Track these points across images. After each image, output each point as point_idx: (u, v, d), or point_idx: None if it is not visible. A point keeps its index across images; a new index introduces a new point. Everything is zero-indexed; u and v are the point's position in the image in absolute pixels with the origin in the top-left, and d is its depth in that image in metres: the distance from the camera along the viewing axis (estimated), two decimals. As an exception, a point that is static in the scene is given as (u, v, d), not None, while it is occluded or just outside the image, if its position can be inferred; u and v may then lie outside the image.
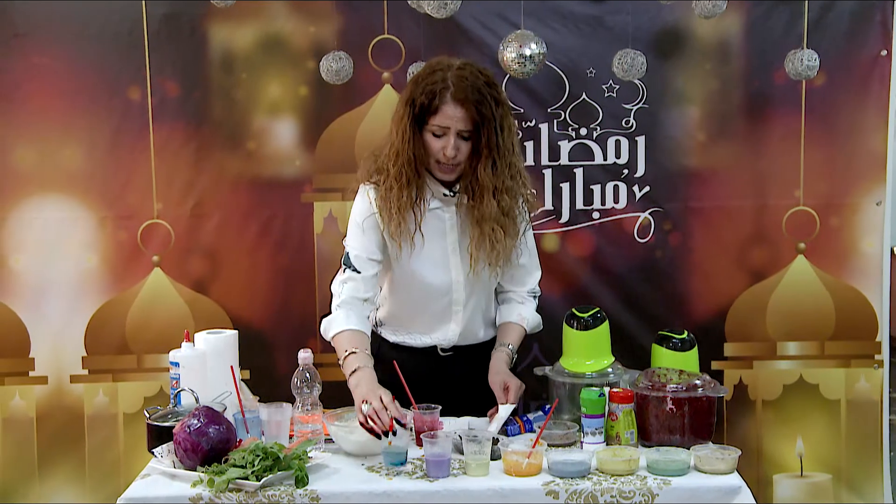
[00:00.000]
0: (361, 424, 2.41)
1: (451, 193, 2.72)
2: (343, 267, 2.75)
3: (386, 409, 2.40)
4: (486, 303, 2.86)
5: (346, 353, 2.60)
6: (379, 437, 2.39)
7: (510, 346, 2.80)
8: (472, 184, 2.67)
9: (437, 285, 2.76)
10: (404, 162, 2.63)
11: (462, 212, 2.73)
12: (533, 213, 2.90)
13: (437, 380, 2.73)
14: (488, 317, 2.88)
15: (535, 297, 2.91)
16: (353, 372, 2.56)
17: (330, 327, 2.70)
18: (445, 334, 2.81)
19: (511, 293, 2.90)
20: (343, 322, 2.67)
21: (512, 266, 2.81)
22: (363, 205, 2.74)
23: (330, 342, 2.72)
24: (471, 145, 2.64)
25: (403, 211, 2.65)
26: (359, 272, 2.71)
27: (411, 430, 2.49)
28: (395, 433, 2.37)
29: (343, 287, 2.72)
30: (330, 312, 2.73)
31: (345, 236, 2.80)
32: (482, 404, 2.72)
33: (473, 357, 2.80)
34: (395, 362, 2.65)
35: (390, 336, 2.86)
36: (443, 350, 2.83)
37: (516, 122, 2.90)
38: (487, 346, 2.83)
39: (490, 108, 2.60)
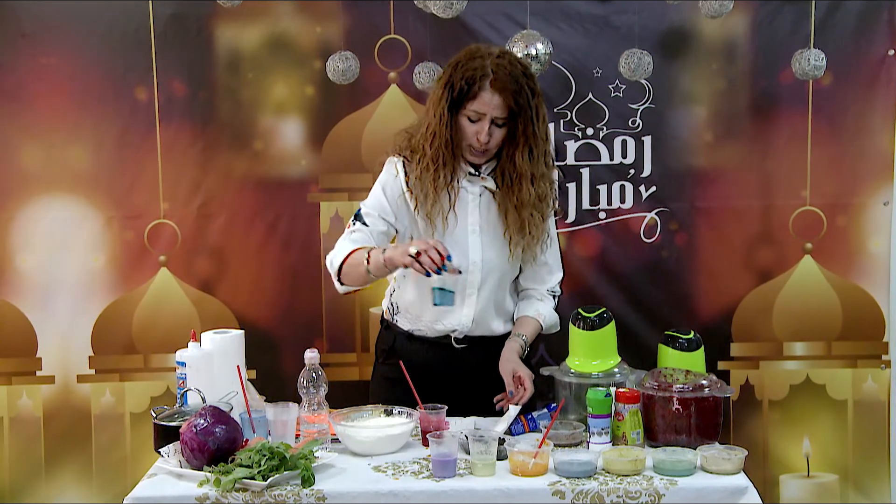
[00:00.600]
0: (411, 264, 2.47)
1: (476, 174, 2.75)
2: (353, 222, 2.77)
3: (435, 248, 2.45)
4: (502, 293, 2.86)
5: (366, 255, 2.60)
6: (428, 274, 2.45)
7: (524, 337, 2.80)
8: (508, 170, 2.71)
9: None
10: (441, 144, 2.67)
11: (492, 196, 2.77)
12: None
13: (451, 372, 2.74)
14: (503, 309, 2.87)
15: (554, 296, 2.92)
16: (384, 251, 2.57)
17: (336, 255, 2.70)
18: (459, 319, 2.81)
19: (531, 290, 2.91)
20: (350, 246, 2.68)
21: (537, 263, 2.83)
22: (389, 175, 2.79)
23: (338, 275, 2.70)
24: (505, 132, 2.68)
25: (440, 191, 2.70)
26: (367, 225, 2.74)
27: (459, 271, 2.52)
28: (445, 269, 2.44)
29: (350, 236, 2.74)
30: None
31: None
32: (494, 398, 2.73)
33: (487, 350, 2.80)
34: (401, 362, 2.67)
35: (405, 324, 2.86)
36: (457, 341, 2.83)
37: None
38: (502, 340, 2.83)
39: (527, 98, 2.65)
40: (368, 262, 2.59)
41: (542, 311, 2.86)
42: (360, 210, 2.78)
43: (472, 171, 2.75)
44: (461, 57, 2.70)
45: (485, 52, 2.68)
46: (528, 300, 2.90)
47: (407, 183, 2.74)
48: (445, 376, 2.74)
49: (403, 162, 2.77)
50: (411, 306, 2.83)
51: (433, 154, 2.68)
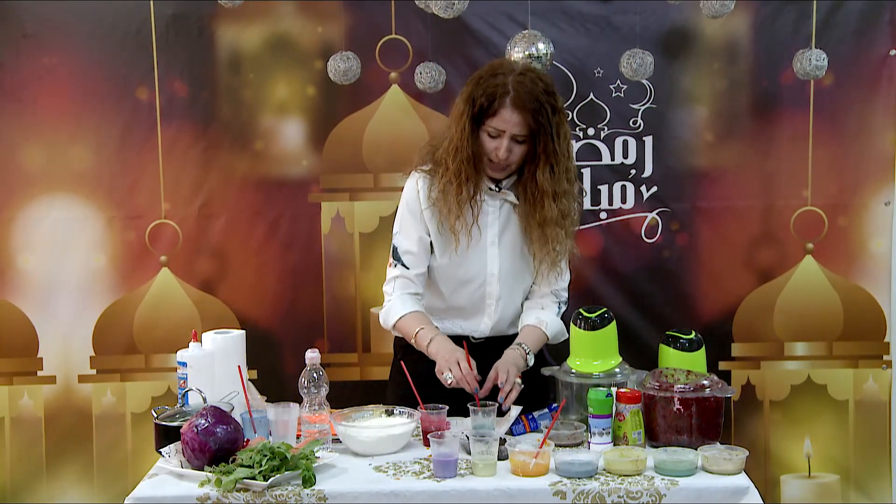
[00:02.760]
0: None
1: (497, 188, 2.76)
2: (393, 262, 2.80)
3: (466, 381, 2.57)
4: (519, 301, 2.88)
5: (417, 331, 2.73)
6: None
7: (524, 346, 2.77)
8: (530, 188, 2.72)
9: (473, 276, 2.79)
10: (463, 159, 2.68)
11: (512, 208, 2.78)
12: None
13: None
14: (518, 314, 2.89)
15: (558, 302, 2.89)
16: (430, 342, 2.69)
17: (389, 316, 2.79)
18: (477, 326, 2.84)
19: (535, 290, 2.89)
20: (400, 308, 2.77)
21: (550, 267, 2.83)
22: (413, 194, 2.78)
23: (391, 330, 2.82)
24: (525, 149, 2.69)
25: (462, 206, 2.71)
26: (408, 268, 2.78)
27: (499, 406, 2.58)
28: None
29: (394, 284, 2.80)
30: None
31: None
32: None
33: (504, 346, 2.79)
34: (402, 363, 2.69)
35: None
36: (474, 338, 2.85)
37: None
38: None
39: (547, 116, 2.65)
40: (415, 339, 2.73)
41: (543, 318, 2.83)
42: (397, 248, 2.80)
43: (492, 186, 2.76)
44: (483, 72, 2.71)
45: (507, 68, 2.69)
46: (529, 310, 2.87)
47: (428, 198, 2.75)
48: None
49: (424, 177, 2.77)
50: (432, 310, 2.84)
51: (455, 168, 2.69)
